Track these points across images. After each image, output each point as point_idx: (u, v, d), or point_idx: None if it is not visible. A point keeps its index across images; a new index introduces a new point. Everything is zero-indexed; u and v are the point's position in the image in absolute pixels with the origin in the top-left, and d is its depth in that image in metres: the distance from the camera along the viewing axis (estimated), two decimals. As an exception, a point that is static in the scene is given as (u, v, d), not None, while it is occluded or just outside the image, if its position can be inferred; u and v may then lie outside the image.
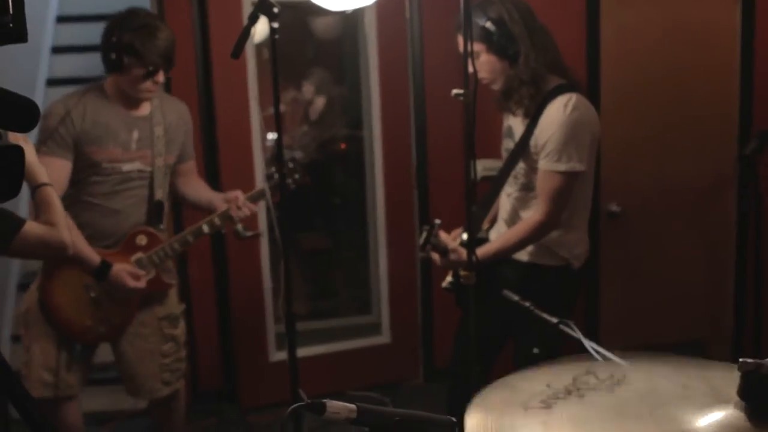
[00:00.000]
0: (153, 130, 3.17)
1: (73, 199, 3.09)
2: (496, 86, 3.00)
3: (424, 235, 3.02)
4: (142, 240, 3.20)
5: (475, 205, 3.72)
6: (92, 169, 3.09)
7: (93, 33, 6.04)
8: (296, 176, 3.30)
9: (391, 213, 4.46)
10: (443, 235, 3.07)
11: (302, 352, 4.10)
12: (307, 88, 5.24)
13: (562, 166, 2.87)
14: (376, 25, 4.32)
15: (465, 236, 2.99)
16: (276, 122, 2.73)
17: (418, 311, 4.54)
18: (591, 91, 4.11)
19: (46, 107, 3.12)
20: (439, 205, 4.30)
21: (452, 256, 2.98)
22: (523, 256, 3.06)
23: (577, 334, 1.96)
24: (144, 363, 3.29)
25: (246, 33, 2.67)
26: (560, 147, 2.85)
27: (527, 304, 2.23)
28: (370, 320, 4.86)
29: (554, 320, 2.08)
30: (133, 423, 4.26)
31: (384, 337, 4.62)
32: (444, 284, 3.19)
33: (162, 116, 3.20)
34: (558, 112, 2.86)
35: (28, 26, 1.01)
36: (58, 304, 3.11)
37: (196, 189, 3.41)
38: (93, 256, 3.05)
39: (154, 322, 3.32)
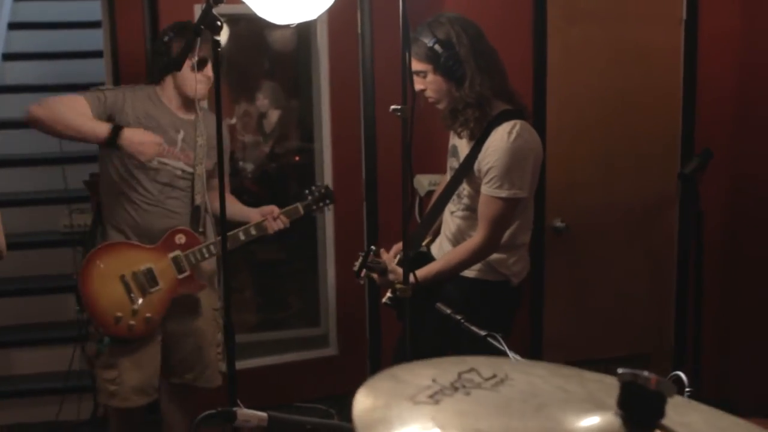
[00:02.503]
0: (196, 136, 3.30)
1: (119, 194, 3.24)
2: (442, 106, 3.04)
3: (359, 261, 3.07)
4: (180, 239, 3.30)
5: (419, 218, 3.79)
6: (141, 165, 3.19)
7: (45, 40, 6.14)
8: (328, 202, 3.52)
9: (340, 225, 4.50)
10: (383, 254, 3.13)
11: (249, 363, 4.27)
12: (261, 102, 5.25)
13: (504, 193, 2.91)
14: (328, 39, 4.35)
15: (403, 255, 3.02)
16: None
17: (365, 323, 4.55)
18: (537, 109, 4.19)
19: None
20: (386, 219, 4.32)
21: (390, 276, 3.04)
22: (466, 272, 3.13)
23: (503, 347, 2.06)
24: (205, 351, 3.46)
25: (188, 46, 2.69)
26: (503, 174, 2.89)
27: (458, 317, 2.30)
28: (319, 332, 4.88)
29: (482, 333, 2.15)
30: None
31: (332, 349, 4.66)
32: (384, 300, 3.22)
33: (204, 126, 3.31)
34: (502, 139, 2.89)
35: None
36: (92, 292, 3.19)
37: (230, 203, 3.46)
38: (101, 124, 3.10)
39: (211, 312, 3.48)
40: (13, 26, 6.30)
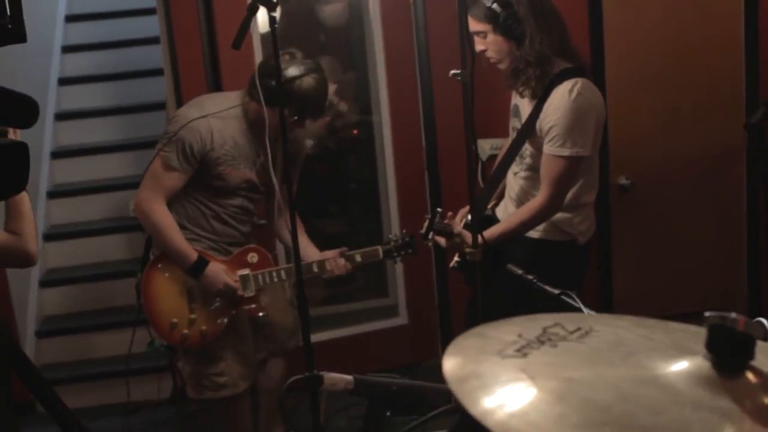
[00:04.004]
0: (277, 155, 3.23)
1: (200, 199, 3.24)
2: (503, 66, 3.03)
3: (426, 224, 3.09)
4: (253, 257, 3.31)
5: (483, 183, 3.76)
6: (224, 186, 3.22)
7: (102, 30, 6.25)
8: (410, 251, 3.42)
9: (403, 196, 4.49)
10: (450, 220, 3.12)
11: (320, 336, 4.28)
12: (318, 77, 5.26)
13: (566, 151, 2.90)
14: (380, 8, 4.33)
15: (469, 217, 3.04)
16: (283, 131, 2.72)
17: (434, 291, 4.57)
18: (595, 64, 4.13)
19: (180, 112, 3.25)
20: (450, 186, 4.31)
21: (457, 239, 3.04)
22: (531, 232, 3.12)
23: (578, 304, 2.07)
24: (290, 315, 3.50)
25: (245, 24, 2.69)
26: (564, 132, 2.88)
27: (530, 277, 2.31)
28: (388, 302, 4.89)
29: (556, 292, 2.16)
30: (158, 412, 4.36)
31: (401, 319, 4.67)
32: (452, 264, 3.23)
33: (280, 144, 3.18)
34: (563, 97, 2.89)
35: (38, 27, 1.04)
36: (154, 293, 3.20)
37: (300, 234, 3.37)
38: (189, 251, 3.15)
39: (282, 286, 3.51)
40: (70, 18, 6.38)
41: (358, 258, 3.34)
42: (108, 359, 4.72)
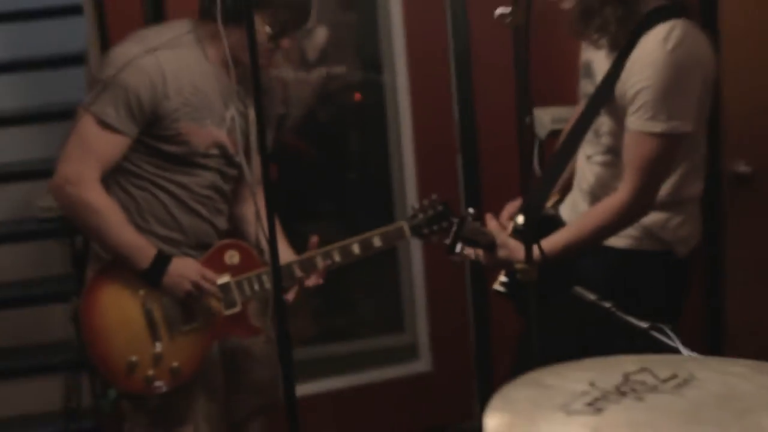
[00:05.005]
0: (247, 110, 3.26)
1: (151, 184, 3.21)
2: (569, 4, 3.01)
3: (453, 230, 3.08)
4: (233, 257, 3.29)
5: (540, 170, 3.89)
6: (185, 154, 3.19)
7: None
8: (447, 224, 3.27)
9: (426, 188, 4.34)
10: (490, 221, 3.12)
11: (310, 387, 4.30)
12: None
13: (659, 126, 2.87)
14: None
15: (521, 219, 3.04)
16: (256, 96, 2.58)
17: (469, 325, 4.59)
18: (704, 3, 4.10)
19: (115, 51, 3.18)
20: (492, 175, 4.33)
21: (502, 253, 3.03)
22: (611, 241, 3.11)
23: (675, 343, 2.06)
24: (274, 366, 3.40)
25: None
26: (658, 99, 2.85)
27: (607, 304, 2.32)
28: (403, 341, 4.88)
29: (644, 324, 2.17)
30: None
31: (423, 363, 4.67)
32: (496, 286, 3.25)
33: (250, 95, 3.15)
34: (655, 48, 2.85)
35: None
36: (101, 322, 3.18)
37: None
38: (144, 244, 3.13)
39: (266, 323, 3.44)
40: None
41: (378, 242, 3.29)
42: (26, 418, 4.64)
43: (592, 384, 1.13)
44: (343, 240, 3.30)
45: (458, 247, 3.07)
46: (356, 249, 3.27)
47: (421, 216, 3.30)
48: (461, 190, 4.46)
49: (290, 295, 3.26)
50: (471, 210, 3.11)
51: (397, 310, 4.96)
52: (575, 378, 1.16)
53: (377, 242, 3.28)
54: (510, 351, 3.42)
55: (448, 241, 3.09)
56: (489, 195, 4.17)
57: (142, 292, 3.18)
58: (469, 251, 3.10)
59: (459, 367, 4.63)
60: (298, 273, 3.24)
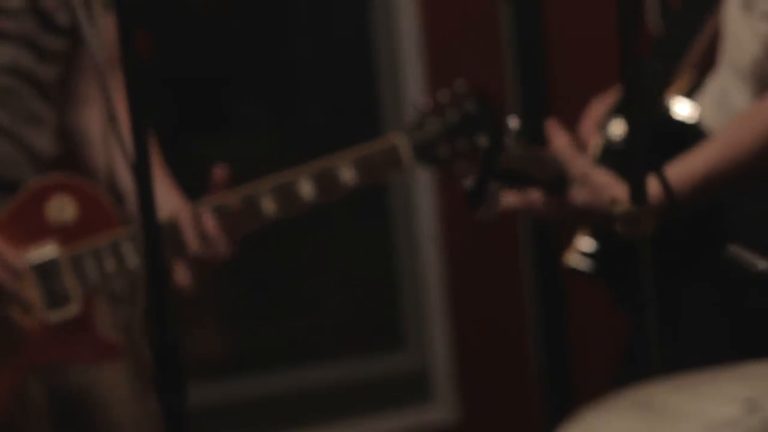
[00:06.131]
0: None
1: None
2: None
3: (484, 156, 2.51)
4: (63, 210, 2.59)
5: (656, 39, 3.19)
6: None
7: None
8: (488, 124, 2.63)
9: (444, 74, 3.54)
10: (557, 141, 2.50)
11: None
12: None
13: None
14: None
15: (615, 129, 2.61)
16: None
17: (519, 330, 4.02)
18: None
19: None
20: (565, 43, 3.81)
21: (580, 194, 2.42)
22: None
23: None
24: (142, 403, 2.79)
25: None
26: None
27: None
28: (404, 366, 4.24)
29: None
30: None
31: (441, 406, 4.05)
32: (571, 260, 2.72)
33: None
34: None
35: None
36: None
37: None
38: None
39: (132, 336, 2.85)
40: None
41: (347, 175, 2.54)
42: None
43: (750, 404, 1.01)
44: (280, 172, 2.59)
45: (484, 189, 2.40)
46: (305, 189, 2.57)
47: (433, 122, 2.62)
48: (507, 78, 3.80)
49: (183, 278, 2.56)
50: (514, 119, 2.51)
51: (393, 312, 4.35)
52: (719, 394, 1.06)
53: (346, 175, 2.58)
54: (607, 364, 3.01)
55: (472, 179, 2.41)
56: (558, 86, 3.67)
57: None
58: (513, 196, 2.46)
59: (506, 410, 4.02)
60: (193, 236, 2.53)
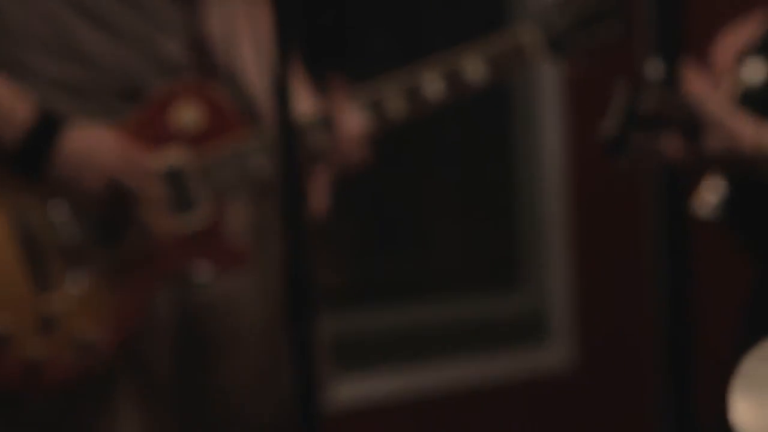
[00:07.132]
0: None
1: None
2: None
3: (614, 108, 2.26)
4: (189, 116, 2.61)
5: None
6: None
7: None
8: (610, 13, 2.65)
9: None
10: (692, 83, 2.29)
11: (355, 389, 3.87)
12: None
13: None
14: None
15: (755, 71, 2.47)
16: None
17: (647, 282, 3.89)
18: None
19: None
20: None
21: (715, 138, 2.34)
22: None
23: None
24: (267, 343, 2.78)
25: None
26: None
27: None
28: (519, 305, 4.26)
29: None
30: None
31: (558, 352, 4.07)
32: (701, 207, 2.51)
33: None
34: None
35: None
36: None
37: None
38: (14, 102, 2.45)
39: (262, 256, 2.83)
40: None
41: (476, 69, 2.45)
42: None
43: None
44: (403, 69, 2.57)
45: (627, 137, 2.25)
46: (433, 86, 2.51)
47: (564, 12, 2.63)
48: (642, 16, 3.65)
49: (320, 187, 2.51)
50: (657, 62, 2.11)
51: (511, 252, 4.36)
52: None
53: (474, 69, 2.51)
54: (731, 319, 2.74)
55: (611, 125, 2.24)
56: (698, 20, 2.99)
57: (12, 203, 2.47)
58: (648, 141, 2.26)
59: (623, 354, 3.99)
60: (323, 141, 2.52)
